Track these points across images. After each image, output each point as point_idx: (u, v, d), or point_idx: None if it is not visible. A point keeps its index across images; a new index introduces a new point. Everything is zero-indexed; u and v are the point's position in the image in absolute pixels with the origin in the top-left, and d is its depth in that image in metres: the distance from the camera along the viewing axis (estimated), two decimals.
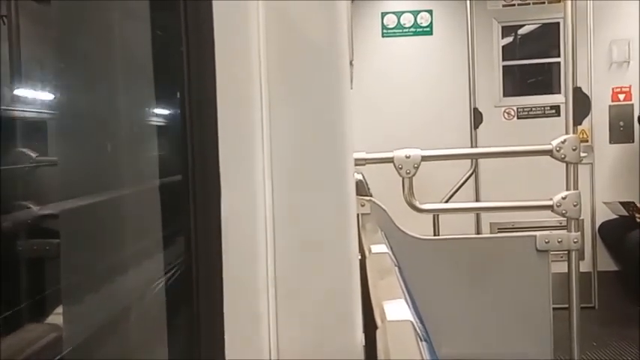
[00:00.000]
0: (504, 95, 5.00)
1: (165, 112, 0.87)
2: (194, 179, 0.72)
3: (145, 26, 0.84)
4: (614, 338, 3.96)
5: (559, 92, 4.84)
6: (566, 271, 2.22)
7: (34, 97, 1.21)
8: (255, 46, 0.72)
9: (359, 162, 2.19)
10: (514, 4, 4.97)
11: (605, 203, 4.63)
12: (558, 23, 4.80)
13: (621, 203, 4.51)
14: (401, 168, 2.16)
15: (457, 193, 4.10)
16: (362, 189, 2.47)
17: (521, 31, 5.15)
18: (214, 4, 0.71)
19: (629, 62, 4.87)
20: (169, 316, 0.83)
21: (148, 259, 0.88)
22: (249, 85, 0.72)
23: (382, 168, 2.22)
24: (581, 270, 2.35)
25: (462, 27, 4.36)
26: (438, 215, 3.90)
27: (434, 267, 2.24)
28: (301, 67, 0.73)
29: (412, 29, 5.06)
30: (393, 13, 5.05)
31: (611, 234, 4.60)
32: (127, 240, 0.89)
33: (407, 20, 5.05)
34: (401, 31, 5.06)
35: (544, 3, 4.92)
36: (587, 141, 4.69)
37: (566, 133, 2.17)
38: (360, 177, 2.53)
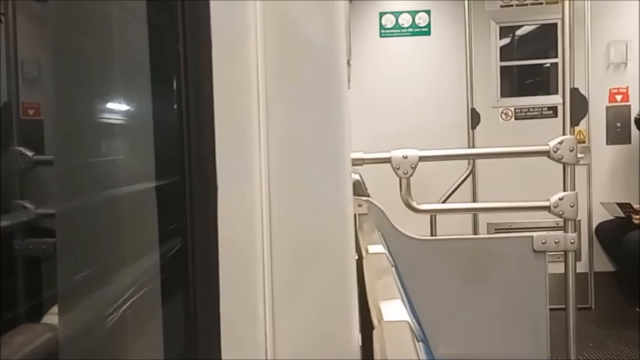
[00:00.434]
0: (502, 96, 5.01)
1: (162, 110, 0.86)
2: (191, 179, 0.72)
3: (141, 25, 0.83)
4: (610, 339, 3.96)
5: (556, 93, 4.84)
6: (563, 271, 2.22)
7: (30, 95, 1.21)
8: (252, 46, 0.72)
9: (356, 162, 2.19)
10: (512, 5, 4.98)
11: (602, 204, 4.64)
12: (556, 24, 4.80)
13: (618, 204, 4.52)
14: (398, 168, 2.16)
15: (454, 194, 4.10)
16: (359, 189, 2.47)
17: (519, 32, 5.15)
18: (212, 3, 0.71)
19: (626, 63, 4.88)
20: (165, 315, 0.83)
21: (144, 258, 0.88)
22: (246, 85, 0.72)
23: (379, 168, 2.21)
24: (578, 271, 2.35)
25: (460, 27, 4.37)
26: (435, 216, 3.91)
27: (431, 267, 2.24)
28: (299, 66, 0.73)
29: (410, 29, 5.06)
30: (391, 13, 5.05)
31: (608, 235, 4.61)
32: (123, 240, 0.89)
33: (405, 20, 5.06)
34: (399, 31, 5.06)
35: (542, 4, 4.93)
36: (584, 142, 4.70)
37: (564, 133, 2.17)
38: (357, 177, 2.53)
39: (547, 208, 2.15)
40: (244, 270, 0.72)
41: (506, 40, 5.10)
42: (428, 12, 5.04)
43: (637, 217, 4.35)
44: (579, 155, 2.17)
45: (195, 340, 0.73)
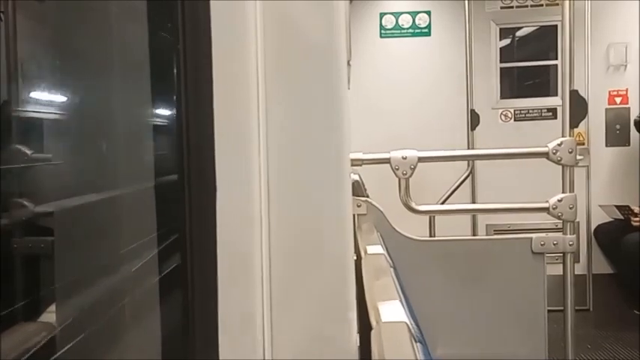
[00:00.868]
0: (501, 97, 5.01)
1: (162, 110, 0.86)
2: (190, 178, 0.72)
3: (141, 24, 0.83)
4: (608, 341, 3.97)
5: (556, 95, 4.85)
6: (562, 273, 2.22)
7: (31, 95, 1.21)
8: (252, 46, 0.72)
9: (355, 162, 2.19)
10: (512, 7, 4.98)
11: (600, 206, 4.65)
12: (556, 26, 4.80)
13: (617, 207, 4.52)
14: (397, 169, 2.16)
15: (453, 195, 4.10)
16: (358, 189, 2.47)
17: (519, 33, 5.15)
18: (212, 3, 0.71)
19: (626, 65, 4.88)
20: (163, 315, 0.83)
21: (142, 257, 0.88)
22: (245, 85, 0.72)
23: (379, 169, 2.21)
24: (577, 272, 2.36)
25: (460, 28, 4.37)
26: (434, 216, 3.91)
27: (429, 268, 2.24)
28: (298, 66, 0.73)
29: (410, 30, 5.06)
30: (392, 13, 5.05)
31: (607, 237, 4.61)
32: (121, 239, 0.89)
33: (405, 21, 5.06)
34: (399, 31, 5.06)
35: (542, 5, 4.93)
36: (583, 144, 4.71)
37: (563, 135, 2.17)
38: (356, 177, 2.53)
39: (546, 209, 2.16)
40: (242, 270, 0.72)
41: (506, 42, 5.10)
42: (428, 13, 5.04)
43: (636, 219, 4.35)
44: (578, 157, 2.18)
45: (193, 341, 0.72)
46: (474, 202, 4.36)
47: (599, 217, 4.69)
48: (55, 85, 0.92)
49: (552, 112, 4.89)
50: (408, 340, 0.81)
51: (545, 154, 2.13)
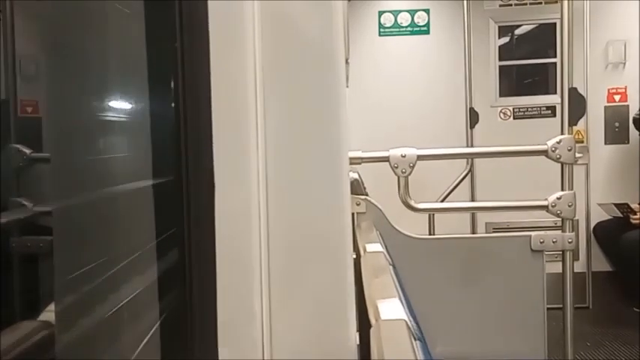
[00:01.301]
0: (500, 95, 5.01)
1: (159, 108, 0.86)
2: (188, 178, 0.72)
3: (139, 23, 0.83)
4: (607, 338, 3.97)
5: (555, 93, 4.85)
6: (561, 271, 2.22)
7: (27, 92, 1.20)
8: (250, 44, 0.72)
9: (354, 161, 2.19)
10: (511, 4, 4.98)
11: (599, 205, 4.65)
12: (555, 23, 4.80)
13: (615, 205, 4.53)
14: (397, 167, 2.16)
15: (453, 193, 4.11)
16: (357, 188, 2.47)
17: (517, 31, 5.15)
18: (209, 2, 0.71)
19: (624, 63, 4.88)
20: (162, 314, 0.83)
21: (140, 257, 0.87)
22: (243, 83, 0.72)
23: (378, 167, 2.21)
24: (576, 270, 2.36)
25: (459, 26, 4.37)
26: (433, 215, 3.91)
27: (429, 266, 2.24)
28: (296, 65, 0.73)
29: (409, 28, 5.06)
30: (390, 12, 5.05)
31: (606, 235, 4.62)
32: (119, 238, 0.89)
33: (404, 19, 5.05)
34: (398, 30, 5.06)
35: (541, 3, 4.93)
36: (582, 141, 4.71)
37: (562, 133, 2.17)
38: (355, 176, 2.53)
39: (545, 207, 2.16)
40: (241, 269, 0.72)
41: (505, 40, 5.10)
42: (427, 11, 5.04)
43: (635, 217, 4.35)
44: (577, 155, 2.18)
45: (192, 340, 0.72)
46: (473, 200, 4.36)
47: (599, 215, 4.69)
48: (51, 83, 0.92)
49: (551, 110, 4.90)
50: (407, 338, 0.81)
51: (544, 152, 2.13)
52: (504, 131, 4.89)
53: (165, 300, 0.83)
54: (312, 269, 0.74)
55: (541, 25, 5.04)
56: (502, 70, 5.02)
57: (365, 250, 1.62)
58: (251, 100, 0.72)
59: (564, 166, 2.17)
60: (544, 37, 5.03)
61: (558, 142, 2.12)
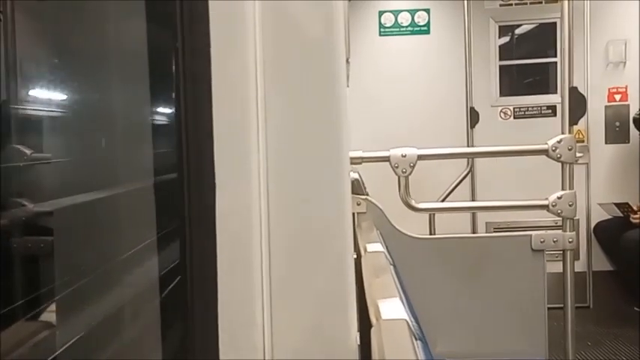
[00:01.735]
0: (501, 95, 5.01)
1: (160, 108, 0.86)
2: (189, 178, 0.72)
3: (140, 22, 0.83)
4: (608, 338, 3.97)
5: (555, 92, 4.85)
6: (561, 270, 2.22)
7: (31, 93, 1.20)
8: (251, 44, 0.72)
9: (355, 161, 2.19)
10: (511, 4, 4.98)
11: (600, 204, 4.64)
12: (555, 23, 4.80)
13: (616, 204, 4.52)
14: (397, 167, 2.16)
15: (453, 193, 4.10)
16: (358, 188, 2.47)
17: (518, 31, 5.15)
18: (210, 1, 0.71)
19: (625, 62, 4.87)
20: (163, 315, 0.83)
21: (141, 257, 0.87)
22: (244, 82, 0.72)
23: (378, 167, 2.21)
24: (576, 270, 2.36)
25: (460, 26, 4.37)
26: (433, 214, 3.91)
27: (429, 266, 2.24)
28: (297, 64, 0.73)
29: (409, 28, 5.06)
30: (391, 11, 5.05)
31: (606, 234, 4.62)
32: (120, 238, 0.89)
33: (404, 19, 5.05)
34: (398, 29, 5.06)
35: (541, 3, 4.93)
36: (582, 141, 4.70)
37: (562, 132, 2.17)
38: (356, 176, 2.53)
39: (545, 207, 2.16)
40: (242, 269, 0.72)
41: (506, 39, 5.10)
42: (427, 11, 5.04)
43: (635, 216, 4.35)
44: (578, 154, 2.18)
45: (193, 341, 0.72)
46: (473, 199, 4.36)
47: (599, 215, 4.69)
48: (53, 84, 0.92)
49: (552, 110, 4.89)
50: (408, 338, 0.81)
51: (545, 152, 2.13)
52: (505, 131, 4.88)
53: (166, 301, 0.83)
54: (313, 269, 0.74)
55: (541, 24, 5.04)
56: (502, 69, 5.02)
57: (365, 249, 1.62)
58: (252, 99, 0.72)
59: (565, 165, 2.17)
60: (544, 37, 5.03)
61: (559, 142, 2.12)
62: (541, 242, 2.21)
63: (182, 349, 0.75)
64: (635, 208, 4.43)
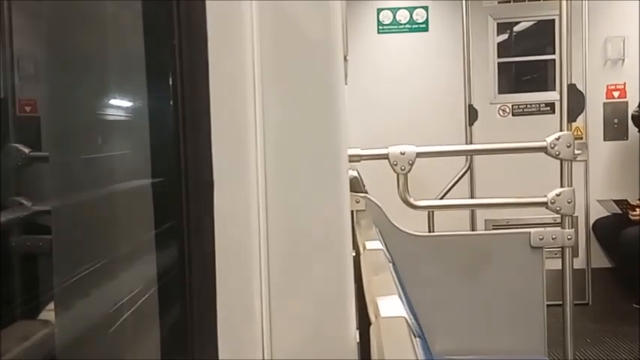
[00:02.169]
0: (499, 92, 5.01)
1: (158, 107, 0.86)
2: (187, 176, 0.72)
3: (137, 20, 0.83)
4: (607, 334, 3.97)
5: (554, 89, 4.85)
6: (560, 267, 2.22)
7: (25, 91, 1.20)
8: (248, 41, 0.72)
9: (353, 158, 2.19)
10: (509, 1, 4.97)
11: (599, 201, 4.65)
12: (553, 20, 4.80)
13: (615, 201, 4.53)
14: (396, 164, 2.16)
15: (452, 190, 4.10)
16: (357, 185, 2.47)
17: (516, 28, 5.15)
18: (207, 1, 0.71)
19: (623, 60, 4.88)
20: (162, 314, 0.82)
21: (139, 256, 0.87)
22: (242, 81, 0.72)
23: (377, 164, 2.21)
24: (575, 267, 2.36)
25: (458, 24, 4.36)
26: (432, 212, 3.91)
27: (428, 263, 2.24)
28: (295, 62, 0.72)
29: (408, 26, 5.05)
30: (389, 9, 5.04)
31: (605, 231, 4.62)
32: (118, 237, 0.89)
33: (402, 16, 5.05)
34: (396, 27, 5.05)
35: (539, 0, 4.93)
36: (581, 138, 4.71)
37: (561, 130, 2.17)
38: (355, 173, 2.53)
39: (544, 204, 2.16)
40: (241, 268, 0.72)
41: (504, 37, 5.09)
42: (426, 8, 5.03)
43: (634, 213, 4.35)
44: (576, 151, 2.18)
45: (192, 339, 0.72)
46: (472, 197, 4.36)
47: (598, 211, 4.69)
48: (50, 82, 0.92)
49: (550, 107, 4.89)
50: (407, 335, 0.81)
51: (544, 149, 2.13)
52: (503, 128, 4.88)
53: (165, 300, 0.83)
54: (312, 267, 0.73)
55: (540, 21, 5.03)
56: (501, 66, 5.02)
57: (364, 247, 1.62)
58: (249, 97, 0.72)
59: (563, 162, 2.17)
60: (543, 34, 5.03)
61: (557, 139, 2.12)
62: (540, 239, 2.21)
63: (181, 348, 0.75)
64: (634, 204, 4.43)
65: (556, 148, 2.11)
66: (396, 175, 2.19)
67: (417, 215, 2.66)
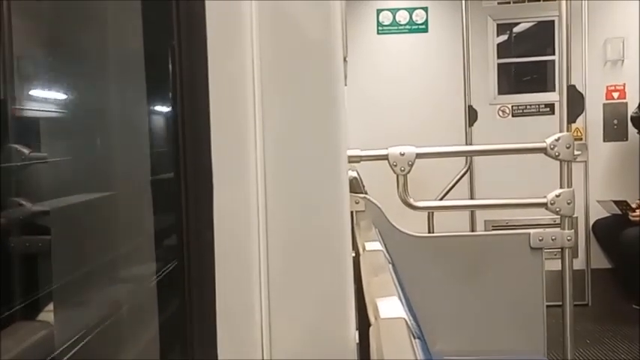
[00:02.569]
0: (499, 93, 5.01)
1: (158, 108, 0.86)
2: (186, 177, 0.72)
3: (137, 22, 0.83)
4: (607, 335, 3.97)
5: (553, 90, 4.85)
6: (560, 268, 2.22)
7: (27, 93, 1.20)
8: (248, 42, 0.72)
9: (353, 159, 2.19)
10: (509, 2, 4.97)
11: (598, 202, 4.64)
12: (553, 21, 4.80)
13: (614, 202, 4.53)
14: (395, 165, 2.16)
15: (452, 191, 4.10)
16: (356, 186, 2.47)
17: (516, 29, 5.15)
18: (207, 1, 0.71)
19: (623, 60, 4.88)
20: (161, 314, 0.82)
21: (139, 257, 0.87)
22: (242, 82, 0.71)
23: (377, 165, 2.21)
24: (575, 267, 2.36)
25: (458, 24, 4.36)
26: (432, 213, 3.91)
27: (428, 264, 2.24)
28: (295, 63, 0.72)
29: (407, 26, 5.05)
30: (389, 10, 5.05)
31: (605, 232, 4.62)
32: (118, 237, 0.89)
33: (402, 17, 5.05)
34: (396, 28, 5.06)
35: (539, 1, 4.93)
36: (581, 139, 4.70)
37: (561, 131, 2.17)
38: (354, 174, 2.53)
39: (544, 205, 2.16)
40: (240, 268, 0.72)
41: (504, 37, 5.10)
42: (425, 9, 5.04)
43: (634, 214, 4.35)
44: (576, 152, 2.18)
45: (192, 340, 0.72)
46: (472, 198, 4.36)
47: (598, 212, 4.69)
48: (51, 83, 0.92)
49: (550, 108, 4.89)
50: (406, 337, 0.81)
51: (543, 150, 2.13)
52: (503, 129, 4.88)
53: (164, 300, 0.83)
54: (312, 268, 0.73)
55: (539, 22, 5.04)
56: (500, 67, 5.02)
57: (364, 248, 1.61)
58: (249, 98, 0.72)
59: (563, 163, 2.17)
60: (542, 35, 5.03)
61: (557, 140, 2.12)
62: (540, 240, 2.21)
63: (181, 348, 0.74)
64: (633, 205, 4.43)
65: (556, 149, 2.11)
66: (395, 175, 2.19)
67: (416, 216, 2.66)
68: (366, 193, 2.36)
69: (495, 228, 4.69)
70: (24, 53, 1.32)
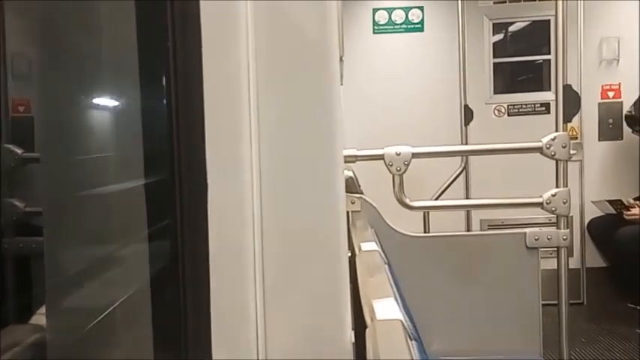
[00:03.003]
0: (495, 92, 5.01)
1: (152, 107, 0.85)
2: (180, 177, 0.71)
3: (130, 21, 0.82)
4: (602, 334, 3.98)
5: (549, 90, 4.86)
6: (556, 267, 2.23)
7: (18, 91, 1.19)
8: (243, 42, 0.71)
9: (349, 159, 2.19)
10: (505, 2, 4.98)
11: (593, 202, 4.65)
12: (549, 21, 4.81)
13: (609, 201, 4.54)
14: (391, 165, 2.15)
15: (447, 190, 4.10)
16: (352, 186, 2.47)
17: (511, 29, 5.16)
18: (202, 1, 0.70)
19: (618, 60, 4.89)
20: (155, 315, 0.82)
21: (133, 257, 0.87)
22: (236, 82, 0.71)
23: (373, 165, 2.21)
24: (570, 266, 2.36)
25: (453, 24, 4.36)
26: (428, 212, 3.91)
27: (424, 265, 2.24)
28: (290, 62, 0.72)
29: (403, 26, 5.05)
30: (385, 9, 5.05)
31: (600, 231, 4.63)
32: (111, 238, 0.88)
33: (398, 17, 5.05)
34: (392, 27, 5.06)
35: (535, 0, 4.93)
36: (576, 138, 4.71)
37: (556, 130, 2.17)
38: (350, 174, 2.53)
39: (540, 204, 2.16)
40: (235, 269, 0.71)
41: (500, 37, 5.10)
42: (421, 8, 5.04)
43: (628, 213, 4.37)
44: (572, 151, 2.18)
45: (186, 340, 0.72)
46: (468, 197, 4.36)
47: (593, 211, 4.70)
48: (43, 82, 0.91)
49: (545, 107, 4.90)
50: (402, 338, 0.80)
51: (539, 149, 2.13)
52: (499, 128, 4.89)
53: (159, 301, 0.82)
54: (307, 268, 0.73)
55: (535, 22, 5.04)
56: (496, 67, 5.02)
57: (360, 248, 1.61)
58: (244, 98, 0.71)
59: (559, 162, 2.18)
60: (538, 34, 5.04)
61: (553, 139, 2.12)
62: (535, 239, 2.21)
63: (175, 349, 0.74)
64: (627, 205, 4.45)
65: (552, 148, 2.12)
66: (391, 175, 2.18)
67: (412, 216, 2.66)
68: (362, 193, 2.36)
69: (491, 227, 4.70)
70: (17, 51, 1.31)
